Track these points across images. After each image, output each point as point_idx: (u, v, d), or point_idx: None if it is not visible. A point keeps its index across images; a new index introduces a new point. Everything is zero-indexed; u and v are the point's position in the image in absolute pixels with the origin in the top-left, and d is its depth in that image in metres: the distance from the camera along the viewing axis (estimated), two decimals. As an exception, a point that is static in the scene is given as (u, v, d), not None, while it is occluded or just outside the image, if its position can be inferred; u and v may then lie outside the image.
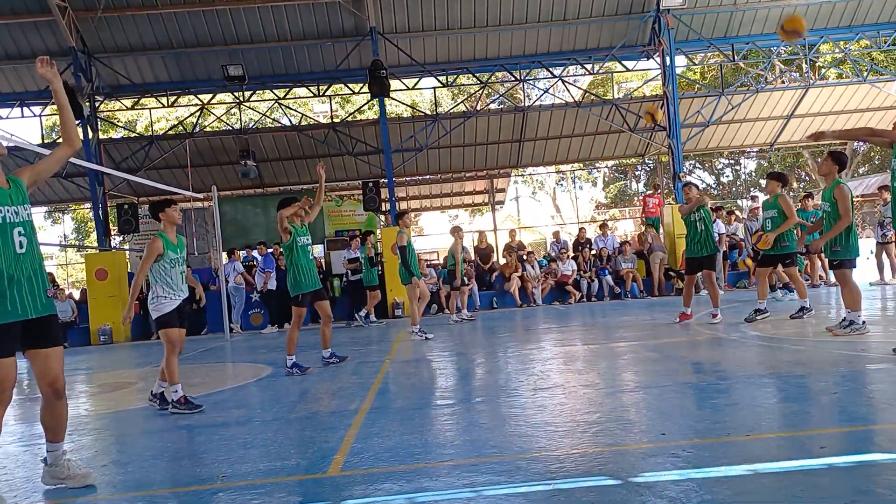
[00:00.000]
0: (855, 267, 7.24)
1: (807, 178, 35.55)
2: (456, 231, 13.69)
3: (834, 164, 7.32)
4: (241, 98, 19.50)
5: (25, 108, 19.04)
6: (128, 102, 20.02)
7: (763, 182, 37.26)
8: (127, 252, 19.80)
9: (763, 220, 9.48)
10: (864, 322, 7.08)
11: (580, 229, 19.52)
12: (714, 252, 10.00)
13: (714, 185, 38.58)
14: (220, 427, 5.20)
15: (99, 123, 18.90)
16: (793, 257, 9.45)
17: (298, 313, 7.80)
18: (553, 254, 17.72)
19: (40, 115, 19.75)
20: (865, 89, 20.62)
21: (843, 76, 21.25)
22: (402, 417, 4.99)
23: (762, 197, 27.44)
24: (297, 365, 7.72)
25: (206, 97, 19.79)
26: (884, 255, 14.10)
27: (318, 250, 21.40)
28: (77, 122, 17.83)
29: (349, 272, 15.36)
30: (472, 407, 5.25)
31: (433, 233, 34.67)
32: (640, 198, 22.97)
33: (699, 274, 9.96)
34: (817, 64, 21.65)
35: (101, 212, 17.96)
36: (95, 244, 20.13)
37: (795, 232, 9.99)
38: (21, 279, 3.64)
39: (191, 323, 16.39)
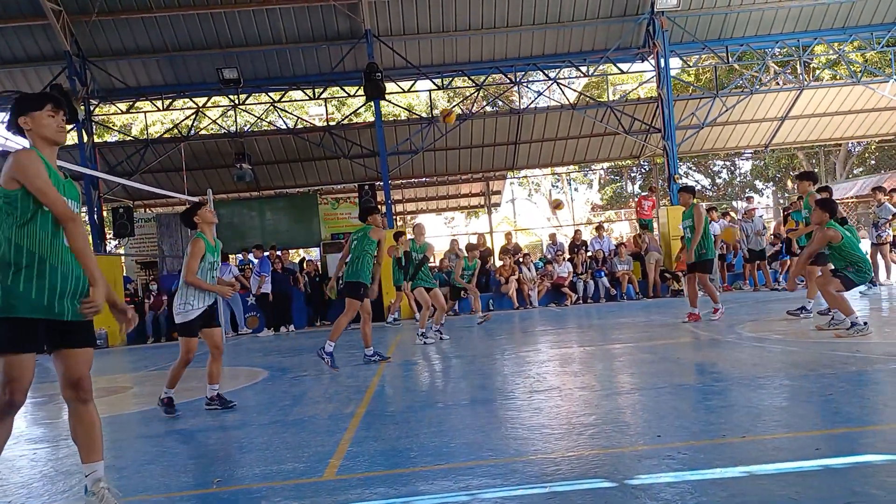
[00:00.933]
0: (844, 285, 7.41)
1: (801, 179, 35.60)
2: (472, 248, 14.30)
3: (823, 213, 7.53)
4: (237, 101, 19.49)
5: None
6: (123, 106, 19.99)
7: (759, 183, 37.42)
8: (122, 256, 19.78)
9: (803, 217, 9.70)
10: (864, 323, 7.18)
11: (576, 231, 19.54)
12: (705, 257, 10.18)
13: (709, 187, 38.67)
14: (215, 431, 5.19)
15: (94, 127, 18.85)
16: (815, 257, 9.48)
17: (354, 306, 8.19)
18: (549, 256, 17.74)
19: (35, 119, 19.68)
20: (859, 90, 20.68)
21: (837, 77, 21.31)
22: (398, 421, 4.98)
23: (756, 198, 27.47)
24: (331, 356, 7.99)
25: (201, 100, 19.77)
26: (878, 256, 14.13)
27: (314, 253, 21.42)
28: (72, 125, 17.81)
29: (343, 275, 15.31)
30: (468, 410, 5.25)
31: (429, 235, 34.65)
32: (636, 199, 22.99)
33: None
34: (811, 65, 21.75)
35: (96, 216, 17.92)
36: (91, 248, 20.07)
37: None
38: (68, 275, 3.25)
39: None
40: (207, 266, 5.95)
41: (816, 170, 32.89)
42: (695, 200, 10.51)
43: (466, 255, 13.86)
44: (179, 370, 5.96)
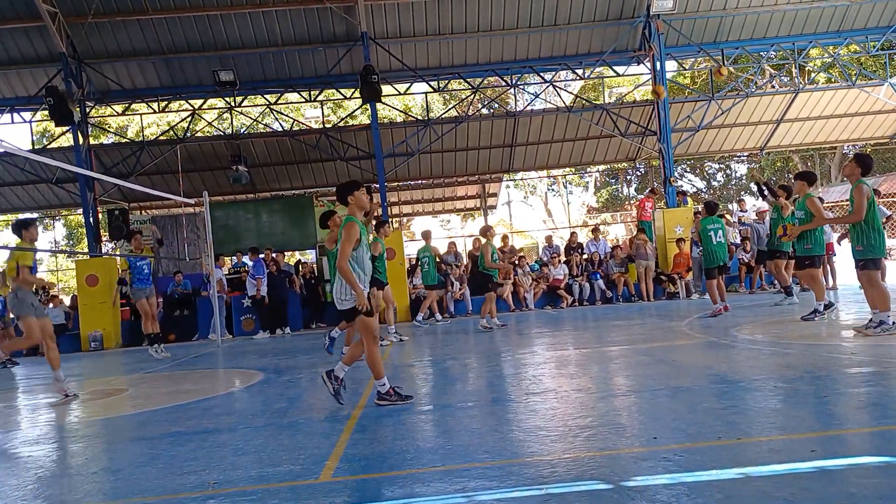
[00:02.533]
0: (878, 268, 7.32)
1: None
2: (486, 231, 12.78)
3: (857, 166, 7.40)
4: (233, 103, 19.47)
5: (15, 114, 18.96)
6: (118, 108, 19.98)
7: (753, 186, 37.48)
8: (118, 258, 19.74)
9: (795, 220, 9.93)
10: (893, 323, 7.10)
11: (572, 234, 19.55)
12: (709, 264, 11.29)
13: (705, 189, 38.74)
14: (211, 433, 5.18)
15: (89, 129, 18.82)
16: (814, 259, 9.58)
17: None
18: (545, 258, 17.75)
19: (30, 122, 19.67)
20: (854, 94, 20.76)
21: (832, 81, 21.39)
22: (394, 423, 4.98)
23: (750, 200, 27.55)
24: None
25: (197, 102, 19.75)
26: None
27: (310, 256, 21.40)
28: (67, 127, 17.80)
29: None
30: (464, 412, 5.25)
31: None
32: (637, 201, 23.01)
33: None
34: (806, 68, 21.82)
35: (91, 218, 17.88)
36: (86, 250, 20.05)
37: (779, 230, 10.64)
38: None
39: (185, 328, 16.42)
40: (363, 249, 5.68)
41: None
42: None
43: (488, 239, 12.57)
44: (375, 353, 5.65)
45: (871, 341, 6.86)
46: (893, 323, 7.08)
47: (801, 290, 12.93)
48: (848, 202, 7.52)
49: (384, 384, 5.65)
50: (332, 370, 5.77)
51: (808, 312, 9.28)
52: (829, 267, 14.79)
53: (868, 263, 7.25)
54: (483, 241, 12.62)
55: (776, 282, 13.10)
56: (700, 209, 13.11)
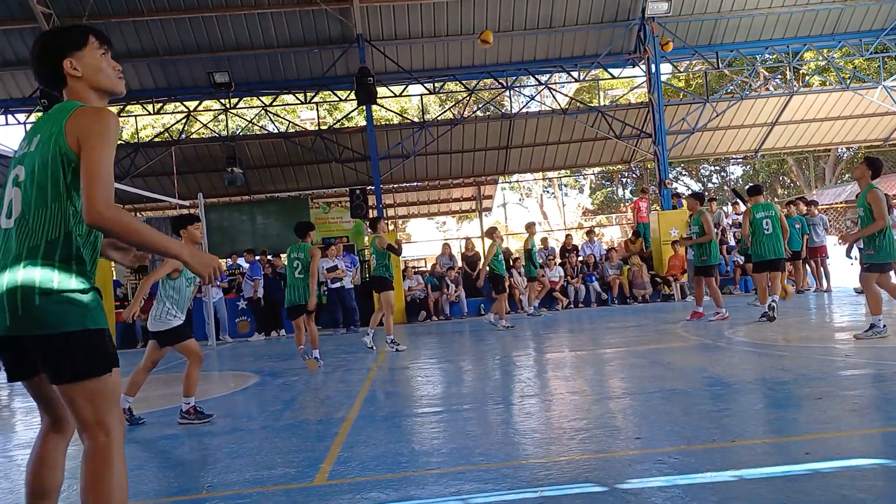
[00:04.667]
0: (885, 271, 7.21)
1: (791, 184, 35.86)
2: (493, 232, 12.70)
3: (867, 168, 7.28)
4: (228, 105, 19.45)
5: (10, 116, 18.91)
6: (113, 109, 19.83)
7: (731, 193, 37.59)
8: (112, 261, 19.67)
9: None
10: (884, 326, 7.04)
11: (567, 236, 19.57)
12: (708, 262, 10.82)
13: (701, 192, 38.80)
14: (205, 436, 5.17)
15: (84, 130, 18.73)
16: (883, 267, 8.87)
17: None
18: (541, 260, 17.74)
19: (24, 123, 19.61)
20: (848, 96, 20.82)
21: (827, 83, 21.46)
22: (389, 425, 4.98)
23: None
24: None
25: (192, 104, 19.72)
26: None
27: (305, 258, 21.30)
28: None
29: (328, 281, 15.24)
30: (460, 414, 5.25)
31: (421, 239, 34.69)
32: (632, 203, 23.04)
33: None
34: (801, 71, 21.88)
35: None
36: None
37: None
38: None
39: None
40: (182, 281, 6.00)
41: (806, 175, 33.14)
42: (702, 208, 11.16)
43: (493, 240, 12.59)
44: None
45: (864, 343, 6.88)
46: (884, 326, 7.07)
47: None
48: (845, 204, 7.48)
49: (190, 402, 5.73)
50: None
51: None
52: (822, 269, 14.88)
53: (872, 267, 7.18)
54: (489, 242, 12.65)
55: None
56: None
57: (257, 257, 16.06)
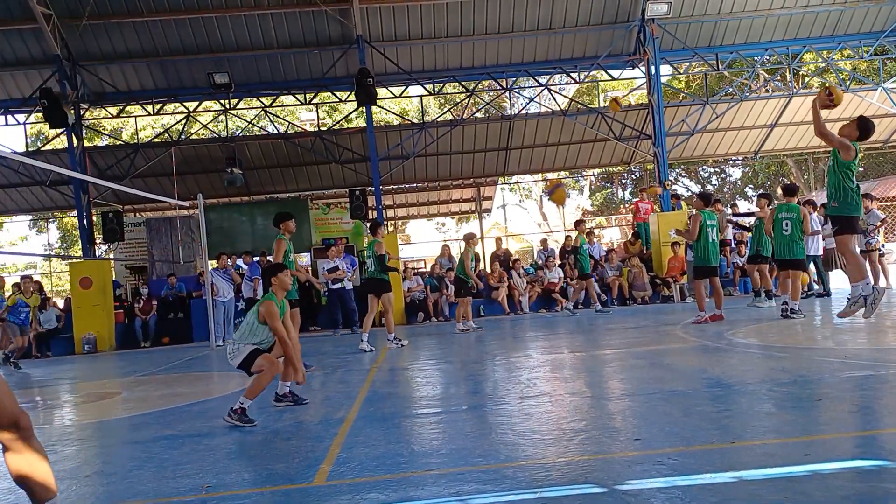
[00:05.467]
0: (857, 233, 7.01)
1: (791, 186, 35.77)
2: (470, 238, 13.08)
3: (855, 129, 7.26)
4: (228, 106, 19.45)
5: (9, 116, 18.92)
6: (113, 110, 19.93)
7: (750, 190, 37.61)
8: (112, 261, 19.67)
9: None
10: (868, 291, 6.81)
11: (566, 237, 19.56)
12: (707, 264, 10.64)
13: (707, 193, 38.79)
14: (205, 437, 5.17)
15: (84, 131, 18.78)
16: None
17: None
18: (540, 262, 17.75)
19: (24, 124, 19.61)
20: (848, 98, 20.81)
21: (826, 85, 21.42)
22: (389, 426, 4.97)
23: (743, 205, 27.47)
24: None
25: (192, 105, 19.73)
26: (867, 263, 14.22)
27: (305, 258, 21.36)
28: (61, 130, 17.75)
29: (329, 282, 15.23)
30: (459, 415, 5.24)
31: (420, 240, 34.69)
32: (632, 203, 23.03)
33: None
34: (800, 73, 21.88)
35: (85, 220, 17.83)
36: (80, 253, 19.98)
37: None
38: None
39: (179, 331, 16.35)
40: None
41: (806, 177, 33.13)
42: (708, 209, 10.98)
43: (470, 246, 12.90)
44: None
45: (865, 345, 6.87)
46: (872, 288, 6.86)
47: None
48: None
49: (285, 386, 6.13)
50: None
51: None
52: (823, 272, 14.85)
53: (845, 225, 7.00)
54: (464, 247, 12.88)
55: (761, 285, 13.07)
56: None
57: (256, 258, 16.01)
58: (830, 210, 7.14)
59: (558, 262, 17.39)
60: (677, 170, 35.66)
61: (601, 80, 22.42)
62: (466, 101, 20.58)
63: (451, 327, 13.83)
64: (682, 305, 14.90)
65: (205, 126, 21.38)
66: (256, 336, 5.72)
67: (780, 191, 10.68)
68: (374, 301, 10.70)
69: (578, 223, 15.30)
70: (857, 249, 7.25)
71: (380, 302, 10.59)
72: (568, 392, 5.79)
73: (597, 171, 31.27)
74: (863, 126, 7.15)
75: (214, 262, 15.69)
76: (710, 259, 10.49)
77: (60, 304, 19.28)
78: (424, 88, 19.62)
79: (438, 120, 21.90)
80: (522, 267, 17.34)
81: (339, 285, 14.95)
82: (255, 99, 19.82)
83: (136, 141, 21.33)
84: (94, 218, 19.15)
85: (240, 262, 17.06)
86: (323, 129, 21.02)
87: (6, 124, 18.99)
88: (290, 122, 22.47)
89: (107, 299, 16.05)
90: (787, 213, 10.05)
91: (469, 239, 12.97)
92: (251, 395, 5.45)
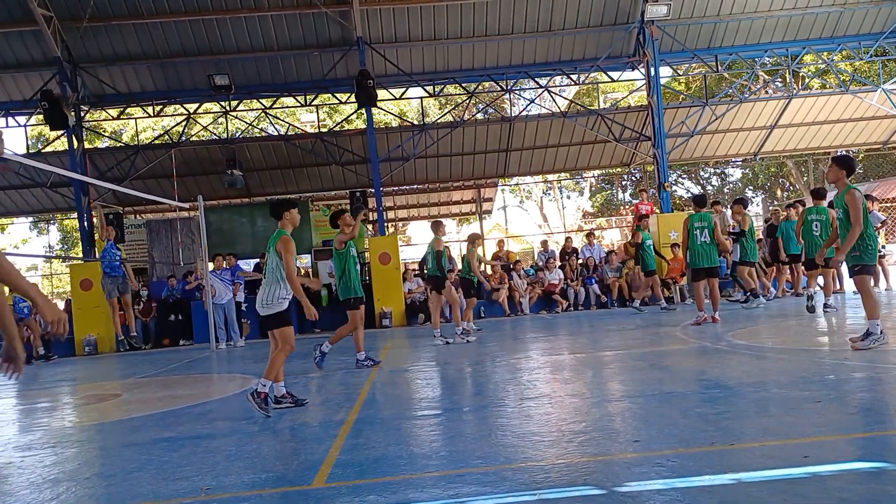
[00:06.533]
0: (871, 274, 7.02)
1: (790, 187, 35.86)
2: (475, 239, 12.69)
3: (840, 169, 7.02)
4: (228, 107, 19.46)
5: (10, 118, 18.93)
6: (113, 112, 19.94)
7: (749, 192, 37.63)
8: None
9: None
10: (882, 332, 6.74)
11: (567, 238, 19.56)
12: (690, 263, 11.00)
13: (700, 195, 38.81)
14: (204, 439, 5.17)
15: (84, 133, 18.79)
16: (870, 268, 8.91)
17: (355, 316, 8.54)
18: (540, 263, 17.75)
19: (25, 126, 19.62)
20: (847, 99, 20.84)
21: (826, 87, 21.47)
22: (388, 428, 4.98)
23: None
24: (369, 358, 8.59)
25: (192, 107, 19.74)
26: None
27: (305, 260, 21.39)
28: (62, 131, 17.76)
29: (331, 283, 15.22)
30: (458, 417, 5.25)
31: (420, 242, 34.67)
32: (632, 206, 23.04)
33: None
34: (800, 74, 21.89)
35: (86, 222, 17.83)
36: (81, 254, 19.98)
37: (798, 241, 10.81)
38: None
39: (179, 332, 16.34)
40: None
41: (805, 178, 33.14)
42: (707, 210, 11.40)
43: (475, 246, 12.60)
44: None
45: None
46: (882, 332, 6.84)
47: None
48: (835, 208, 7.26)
49: (282, 388, 6.16)
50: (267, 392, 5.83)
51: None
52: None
53: (864, 269, 7.06)
54: (470, 248, 12.53)
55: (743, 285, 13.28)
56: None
57: (256, 260, 16.01)
58: (852, 259, 7.11)
59: (558, 263, 17.39)
60: (677, 171, 35.69)
61: (601, 82, 22.42)
62: (466, 102, 20.59)
63: (450, 328, 13.85)
64: (681, 307, 14.88)
65: (205, 128, 21.39)
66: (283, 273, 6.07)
67: (809, 195, 11.25)
68: (436, 297, 11.11)
69: (641, 218, 14.82)
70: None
71: (441, 297, 10.98)
72: (567, 394, 5.79)
73: (597, 172, 31.26)
74: (846, 165, 7.13)
75: (212, 263, 15.67)
76: (698, 260, 10.66)
77: (61, 305, 19.29)
78: (424, 90, 19.63)
79: (438, 121, 21.91)
80: (523, 268, 17.33)
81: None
82: (255, 100, 19.83)
83: (136, 143, 21.34)
84: (95, 219, 19.14)
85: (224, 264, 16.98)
86: (323, 130, 21.02)
87: (7, 126, 18.98)
88: (290, 124, 22.51)
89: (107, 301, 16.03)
90: (816, 216, 10.69)
91: (474, 239, 12.72)
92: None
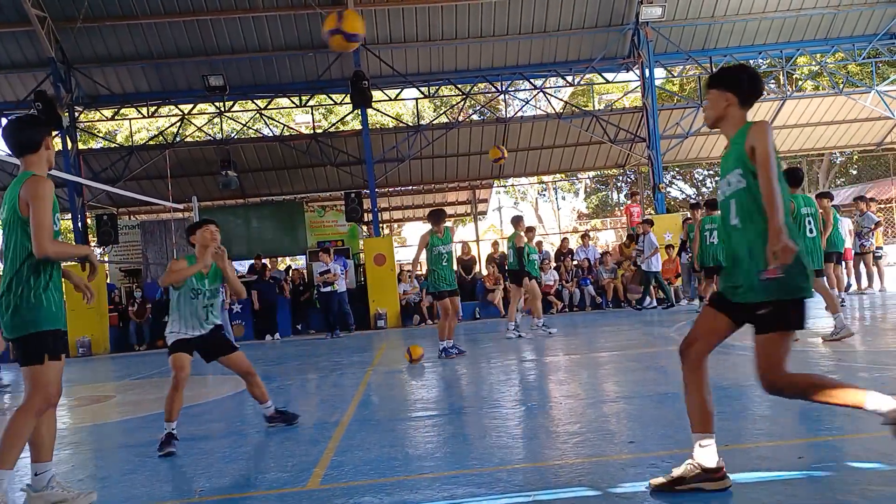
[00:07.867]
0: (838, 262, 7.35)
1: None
2: (518, 221, 11.53)
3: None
4: (222, 108, 19.42)
5: (3, 119, 18.85)
6: (108, 113, 19.88)
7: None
8: (107, 264, 19.59)
9: None
10: (844, 326, 7.04)
11: (562, 240, 19.57)
12: (703, 264, 11.20)
13: (694, 196, 38.91)
14: (199, 440, 5.16)
15: (78, 134, 18.72)
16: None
17: (444, 306, 8.96)
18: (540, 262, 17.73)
19: (18, 126, 19.51)
20: (841, 101, 20.91)
21: (820, 88, 21.53)
22: (383, 429, 4.97)
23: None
24: (455, 348, 8.98)
25: (186, 107, 19.69)
26: (861, 265, 14.27)
27: (300, 261, 21.36)
28: (56, 132, 17.69)
29: (321, 284, 15.20)
30: (454, 418, 5.24)
31: (416, 243, 34.63)
32: (623, 208, 23.07)
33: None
34: (794, 76, 21.95)
35: (80, 223, 17.78)
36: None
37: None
38: None
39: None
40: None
41: (799, 179, 33.21)
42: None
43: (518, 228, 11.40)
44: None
45: (862, 346, 6.89)
46: (844, 326, 7.13)
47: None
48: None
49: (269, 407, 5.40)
50: None
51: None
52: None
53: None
54: (518, 233, 11.26)
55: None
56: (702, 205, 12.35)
57: (251, 261, 15.99)
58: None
59: (554, 264, 17.39)
60: (672, 172, 35.77)
61: (596, 83, 22.46)
62: (461, 103, 20.59)
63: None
64: (676, 308, 14.90)
65: (199, 128, 21.35)
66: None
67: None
68: (515, 291, 11.15)
69: (695, 207, 12.62)
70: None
71: (517, 291, 11.04)
72: (562, 395, 5.79)
73: (591, 173, 31.31)
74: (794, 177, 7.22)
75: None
76: (709, 260, 11.04)
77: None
78: (419, 91, 19.63)
79: (434, 122, 21.90)
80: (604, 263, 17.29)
81: (329, 288, 14.89)
82: (249, 101, 19.79)
83: (130, 143, 21.28)
84: (89, 220, 19.08)
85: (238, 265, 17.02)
86: (318, 131, 21.00)
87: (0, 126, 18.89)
88: (285, 125, 22.46)
89: (101, 302, 15.99)
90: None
91: (517, 222, 11.48)
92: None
